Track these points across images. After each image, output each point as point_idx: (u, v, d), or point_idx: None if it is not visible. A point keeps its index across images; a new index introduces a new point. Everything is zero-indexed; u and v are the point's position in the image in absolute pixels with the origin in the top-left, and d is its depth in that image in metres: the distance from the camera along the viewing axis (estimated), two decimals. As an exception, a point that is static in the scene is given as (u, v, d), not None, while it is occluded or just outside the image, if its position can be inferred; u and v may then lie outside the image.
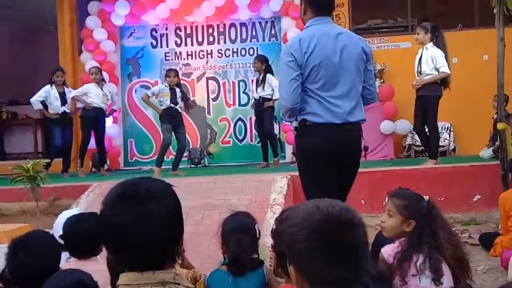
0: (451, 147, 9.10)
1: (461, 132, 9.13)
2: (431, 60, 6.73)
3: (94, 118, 8.42)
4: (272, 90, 8.00)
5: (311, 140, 3.31)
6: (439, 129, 8.62)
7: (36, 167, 6.43)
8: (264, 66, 8.22)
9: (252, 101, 8.68)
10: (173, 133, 7.95)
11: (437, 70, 6.73)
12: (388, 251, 2.71)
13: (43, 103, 8.46)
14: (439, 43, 6.83)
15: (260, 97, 8.22)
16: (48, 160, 7.80)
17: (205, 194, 5.99)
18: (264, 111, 8.19)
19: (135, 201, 1.43)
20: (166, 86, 8.03)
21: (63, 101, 8.47)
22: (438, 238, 2.62)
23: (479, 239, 5.27)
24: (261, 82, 8.21)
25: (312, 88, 3.27)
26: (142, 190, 1.46)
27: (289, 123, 3.72)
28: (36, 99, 8.43)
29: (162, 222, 1.44)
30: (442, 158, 7.58)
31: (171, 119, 7.89)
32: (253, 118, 9.11)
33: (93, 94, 8.36)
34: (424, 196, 2.75)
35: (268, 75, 8.15)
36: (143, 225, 1.41)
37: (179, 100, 7.98)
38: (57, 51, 10.11)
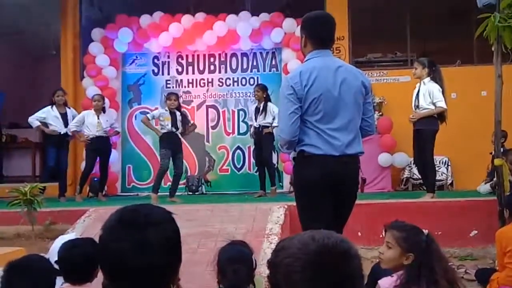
0: (449, 181, 9.11)
1: (459, 167, 9.15)
2: (428, 95, 6.81)
3: (99, 149, 8.47)
4: (274, 118, 8.07)
5: (308, 171, 3.32)
6: (437, 163, 8.68)
7: (33, 190, 6.42)
8: (265, 94, 8.32)
9: (252, 130, 8.70)
10: (170, 158, 7.95)
11: (434, 104, 6.80)
12: (386, 284, 2.69)
13: (43, 123, 8.49)
14: (436, 78, 6.91)
15: (259, 125, 8.28)
16: (45, 185, 7.79)
17: (202, 222, 5.97)
18: (263, 138, 8.23)
19: (133, 227, 1.44)
20: (166, 110, 8.06)
21: (65, 122, 8.49)
22: (435, 272, 2.61)
23: (475, 275, 5.24)
24: (262, 111, 8.27)
25: (311, 120, 3.30)
26: (141, 216, 1.46)
27: (287, 153, 3.75)
28: (34, 117, 8.45)
29: (160, 249, 1.44)
30: (439, 192, 7.58)
31: (171, 143, 7.89)
32: (252, 147, 9.14)
33: (89, 122, 8.39)
34: (424, 230, 2.75)
35: (269, 104, 8.25)
36: (141, 251, 1.42)
37: (179, 124, 8.00)
38: (59, 75, 10.20)
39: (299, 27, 3.67)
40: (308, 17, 3.52)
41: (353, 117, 3.38)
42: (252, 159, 9.68)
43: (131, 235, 1.42)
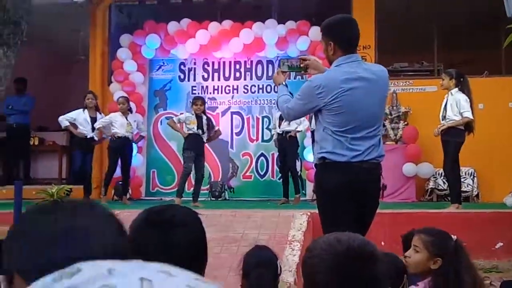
0: (475, 193, 8.99)
1: (485, 178, 9.03)
2: (456, 105, 6.77)
3: (121, 148, 8.55)
4: (298, 124, 8.12)
5: (330, 178, 3.30)
6: (463, 174, 8.58)
7: (60, 192, 6.52)
8: (290, 102, 8.32)
9: (275, 136, 8.73)
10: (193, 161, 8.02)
11: (461, 114, 6.76)
12: (413, 294, 2.67)
13: (72, 124, 8.63)
14: (464, 89, 6.87)
15: (283, 131, 8.30)
16: (71, 187, 7.90)
17: (224, 227, 6.00)
18: (287, 145, 8.25)
19: (160, 228, 1.47)
20: (192, 114, 8.15)
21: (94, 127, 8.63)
22: (462, 280, 2.57)
23: (500, 287, 5.16)
24: (287, 118, 8.29)
25: (334, 129, 3.26)
26: (168, 217, 1.49)
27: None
28: (64, 117, 8.59)
29: (186, 249, 1.47)
30: (465, 204, 7.50)
31: (195, 144, 7.98)
32: (275, 154, 9.16)
33: (118, 124, 8.50)
34: (452, 235, 2.72)
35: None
36: (167, 251, 1.44)
37: (205, 127, 8.09)
38: (87, 80, 10.37)
39: (324, 34, 3.61)
40: (334, 21, 3.41)
41: (378, 125, 3.38)
42: (275, 166, 9.69)
43: (157, 235, 1.45)
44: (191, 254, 1.48)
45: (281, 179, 8.70)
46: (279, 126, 8.40)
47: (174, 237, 1.46)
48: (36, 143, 11.16)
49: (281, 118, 8.39)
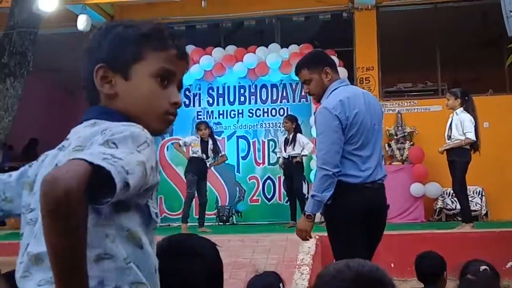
0: (483, 212, 8.93)
1: (493, 197, 8.98)
2: (460, 125, 6.79)
3: None
4: (303, 148, 8.15)
5: (345, 200, 3.26)
6: (471, 193, 8.54)
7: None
8: (294, 125, 8.38)
9: (280, 160, 8.75)
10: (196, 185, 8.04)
11: (464, 135, 6.78)
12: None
13: None
14: (469, 108, 6.89)
15: (289, 156, 8.32)
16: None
17: (233, 252, 5.97)
18: (294, 169, 8.27)
19: (180, 257, 1.48)
20: (197, 137, 8.22)
21: None
22: None
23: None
24: (291, 142, 8.33)
25: (348, 149, 3.27)
26: (188, 247, 1.51)
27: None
28: None
29: (204, 279, 1.48)
30: (474, 223, 7.44)
31: (198, 168, 8.01)
32: (282, 177, 9.15)
33: None
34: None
35: (299, 135, 8.31)
36: (184, 280, 1.45)
37: (210, 152, 8.13)
38: (93, 108, 10.43)
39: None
40: (316, 52, 3.79)
41: (380, 142, 3.44)
42: (282, 190, 9.68)
43: (177, 265, 1.46)
44: (207, 283, 1.49)
45: (288, 202, 8.68)
46: (285, 151, 8.42)
47: (192, 267, 1.47)
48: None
49: (286, 142, 8.43)
